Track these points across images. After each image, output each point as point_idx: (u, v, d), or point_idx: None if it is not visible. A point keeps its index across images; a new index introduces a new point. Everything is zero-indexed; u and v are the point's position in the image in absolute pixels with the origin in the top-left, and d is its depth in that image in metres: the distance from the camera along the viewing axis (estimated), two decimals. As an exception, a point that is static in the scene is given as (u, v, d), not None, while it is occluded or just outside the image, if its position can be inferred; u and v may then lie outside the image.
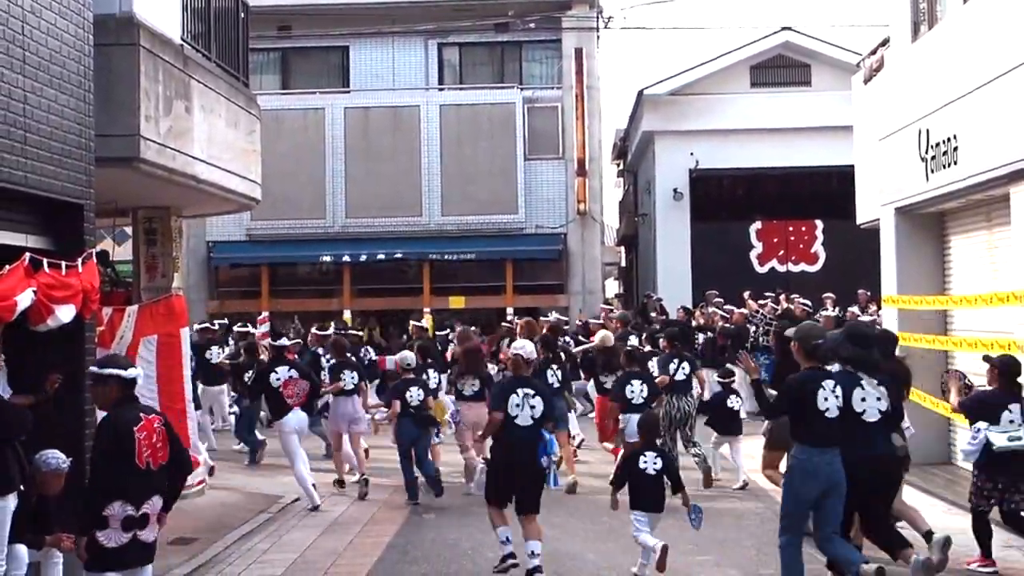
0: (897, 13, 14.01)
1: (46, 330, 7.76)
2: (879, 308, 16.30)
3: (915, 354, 12.11)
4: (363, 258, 24.86)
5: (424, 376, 12.94)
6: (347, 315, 24.79)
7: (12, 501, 6.86)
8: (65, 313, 7.87)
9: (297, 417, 12.29)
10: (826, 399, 7.37)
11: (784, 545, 7.50)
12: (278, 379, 12.30)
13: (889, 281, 14.12)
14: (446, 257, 24.78)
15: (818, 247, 25.80)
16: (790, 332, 8.15)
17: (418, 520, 11.22)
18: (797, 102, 25.19)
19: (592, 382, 14.43)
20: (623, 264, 40.59)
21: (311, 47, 26.47)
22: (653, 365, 13.14)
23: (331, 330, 16.63)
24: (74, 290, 7.98)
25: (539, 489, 8.88)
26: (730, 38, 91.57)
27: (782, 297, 20.69)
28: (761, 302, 20.27)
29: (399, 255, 24.81)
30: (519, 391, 8.90)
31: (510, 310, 23.71)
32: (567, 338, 17.75)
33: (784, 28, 26.22)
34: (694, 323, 20.27)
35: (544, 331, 14.90)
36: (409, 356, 12.95)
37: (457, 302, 24.84)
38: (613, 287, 42.77)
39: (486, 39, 26.13)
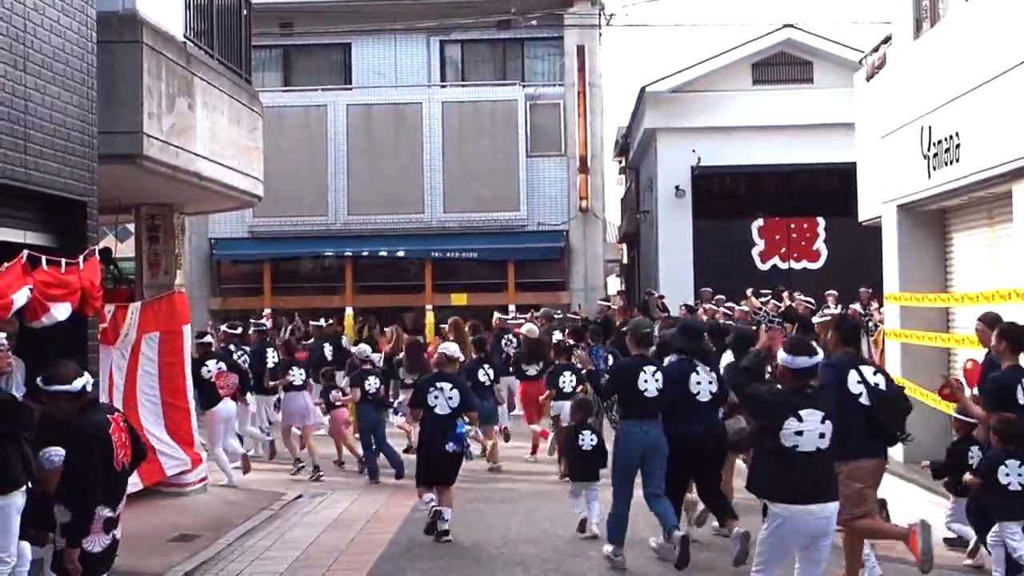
0: (899, 10, 14.01)
1: (40, 327, 7.77)
2: (881, 305, 16.29)
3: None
4: (365, 255, 24.87)
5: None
6: (349, 312, 24.80)
7: (19, 498, 6.85)
8: (61, 311, 7.88)
9: (227, 407, 13.20)
10: (646, 381, 8.80)
11: (617, 511, 8.86)
12: (209, 372, 13.15)
13: (891, 278, 14.12)
14: (448, 254, 24.78)
15: (820, 244, 25.76)
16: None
17: (420, 518, 11.20)
18: (799, 99, 25.14)
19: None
20: (625, 261, 40.57)
21: (313, 44, 26.46)
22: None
23: (242, 328, 16.83)
24: (71, 288, 7.99)
25: (455, 467, 10.26)
26: (732, 35, 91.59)
27: (784, 294, 20.69)
28: (762, 299, 20.26)
29: (401, 253, 24.82)
30: (438, 384, 10.21)
31: (512, 307, 23.71)
32: (509, 335, 18.37)
33: (786, 25, 26.14)
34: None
35: (470, 331, 16.11)
36: (366, 349, 14.40)
37: (459, 299, 24.83)
38: (615, 284, 42.75)
39: (488, 36, 26.12)
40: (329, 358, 17.07)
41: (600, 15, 25.85)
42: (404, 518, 11.12)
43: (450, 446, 10.04)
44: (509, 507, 11.54)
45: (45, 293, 7.66)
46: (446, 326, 16.52)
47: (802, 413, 6.40)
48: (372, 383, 13.66)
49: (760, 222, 26.03)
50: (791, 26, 26.13)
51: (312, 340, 18.79)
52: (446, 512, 10.07)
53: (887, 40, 15.10)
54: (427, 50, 26.03)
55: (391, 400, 14.99)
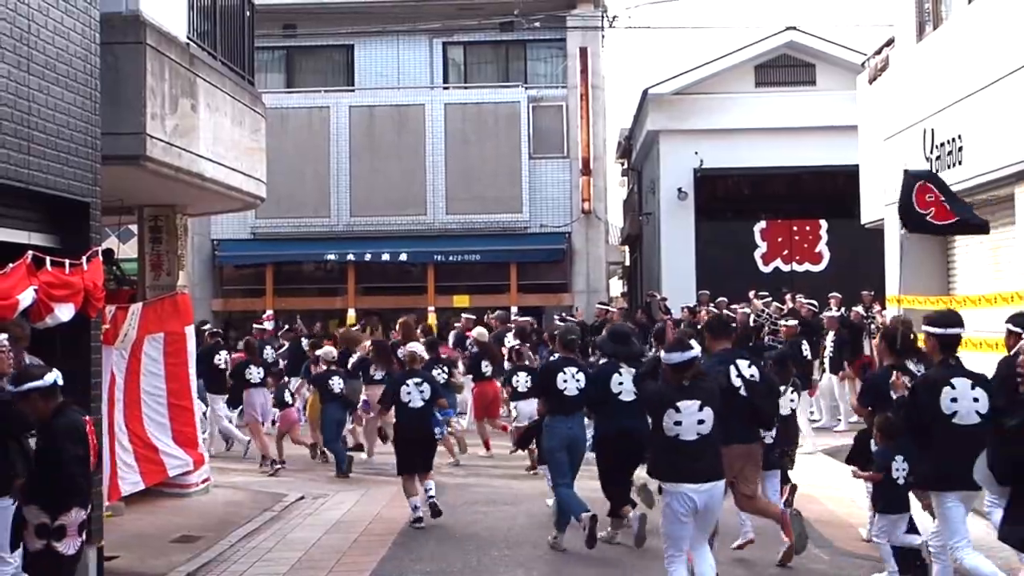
0: (902, 13, 14.03)
1: (44, 328, 7.77)
2: (883, 308, 16.29)
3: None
4: (367, 257, 24.88)
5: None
6: (351, 313, 24.80)
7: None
8: (64, 312, 7.88)
9: None
10: (565, 381, 9.73)
11: (559, 492, 9.68)
12: None
13: (893, 281, 14.12)
14: (451, 256, 24.78)
15: (822, 247, 25.76)
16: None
17: (422, 519, 11.23)
18: (802, 102, 25.15)
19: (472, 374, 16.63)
20: (627, 263, 40.57)
21: (316, 46, 26.48)
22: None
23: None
24: (75, 289, 7.99)
25: (431, 455, 11.24)
26: (735, 38, 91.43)
27: (787, 297, 20.67)
28: (762, 301, 20.25)
29: (403, 255, 24.82)
30: (409, 381, 11.07)
31: (514, 309, 23.71)
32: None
33: (789, 28, 26.14)
34: (699, 322, 20.22)
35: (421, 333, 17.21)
36: (331, 351, 15.18)
37: (461, 301, 24.83)
38: (617, 286, 42.71)
39: (491, 38, 26.13)
40: (269, 360, 17.39)
41: (603, 17, 25.85)
42: (406, 520, 11.11)
43: (437, 429, 11.23)
44: (512, 508, 11.54)
45: (49, 294, 7.66)
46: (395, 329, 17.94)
47: (679, 405, 7.15)
48: (336, 383, 14.40)
49: (763, 224, 26.03)
50: (794, 28, 26.13)
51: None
52: (429, 483, 11.03)
53: (890, 43, 15.12)
54: (430, 52, 26.04)
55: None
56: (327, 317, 24.58)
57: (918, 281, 13.60)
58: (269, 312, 24.09)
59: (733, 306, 20.36)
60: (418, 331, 16.86)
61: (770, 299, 20.29)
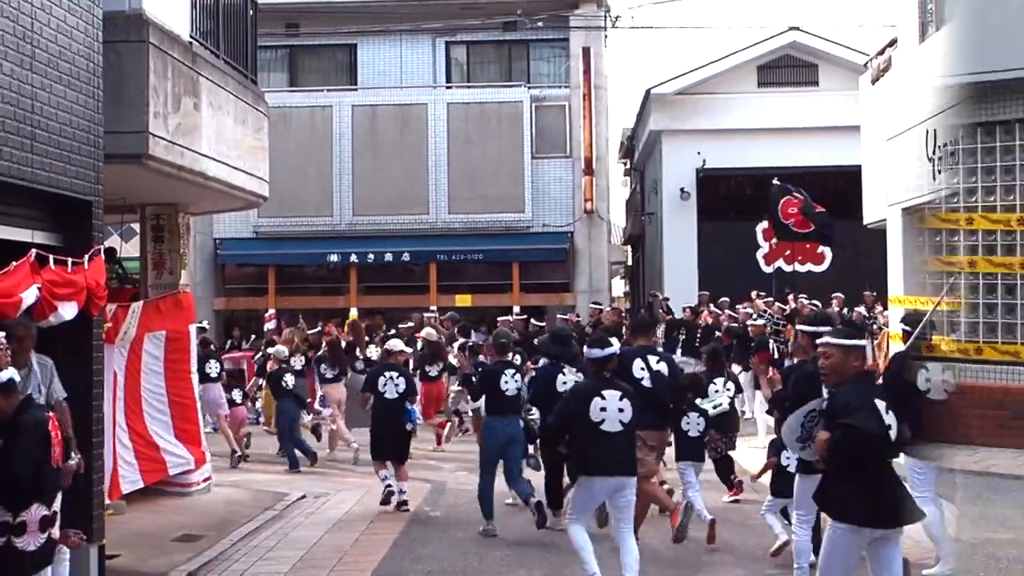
0: (905, 14, 14.02)
1: (47, 326, 7.78)
2: (885, 308, 16.29)
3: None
4: (370, 257, 24.86)
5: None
6: (353, 312, 24.78)
7: None
8: (67, 310, 7.88)
9: None
10: (506, 382, 10.37)
11: (481, 483, 10.44)
12: None
13: (895, 281, 14.12)
14: (453, 255, 24.77)
15: (824, 247, 25.71)
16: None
17: (423, 519, 11.25)
18: (804, 102, 25.13)
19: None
20: (629, 263, 40.55)
21: (319, 45, 26.46)
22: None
23: None
24: (77, 287, 7.99)
25: (405, 445, 11.97)
26: (738, 38, 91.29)
27: (790, 297, 20.66)
28: (767, 300, 20.23)
29: (406, 255, 24.81)
30: (386, 374, 11.76)
31: (516, 308, 23.70)
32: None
33: (792, 28, 26.13)
34: (701, 323, 20.23)
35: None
36: (283, 350, 15.81)
37: (464, 300, 24.82)
38: (619, 286, 42.68)
39: (494, 37, 26.11)
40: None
41: (606, 17, 25.83)
42: (408, 519, 11.13)
43: (408, 425, 11.73)
44: (513, 509, 11.52)
45: (52, 292, 7.67)
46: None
47: (604, 393, 7.87)
48: (290, 380, 15.14)
49: (765, 224, 25.94)
50: (797, 29, 26.11)
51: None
52: (403, 485, 11.54)
53: (892, 43, 15.12)
54: (433, 51, 26.02)
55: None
56: (329, 316, 24.53)
57: (920, 282, 13.58)
58: (271, 311, 24.08)
59: (736, 306, 20.34)
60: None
61: (772, 300, 20.28)
